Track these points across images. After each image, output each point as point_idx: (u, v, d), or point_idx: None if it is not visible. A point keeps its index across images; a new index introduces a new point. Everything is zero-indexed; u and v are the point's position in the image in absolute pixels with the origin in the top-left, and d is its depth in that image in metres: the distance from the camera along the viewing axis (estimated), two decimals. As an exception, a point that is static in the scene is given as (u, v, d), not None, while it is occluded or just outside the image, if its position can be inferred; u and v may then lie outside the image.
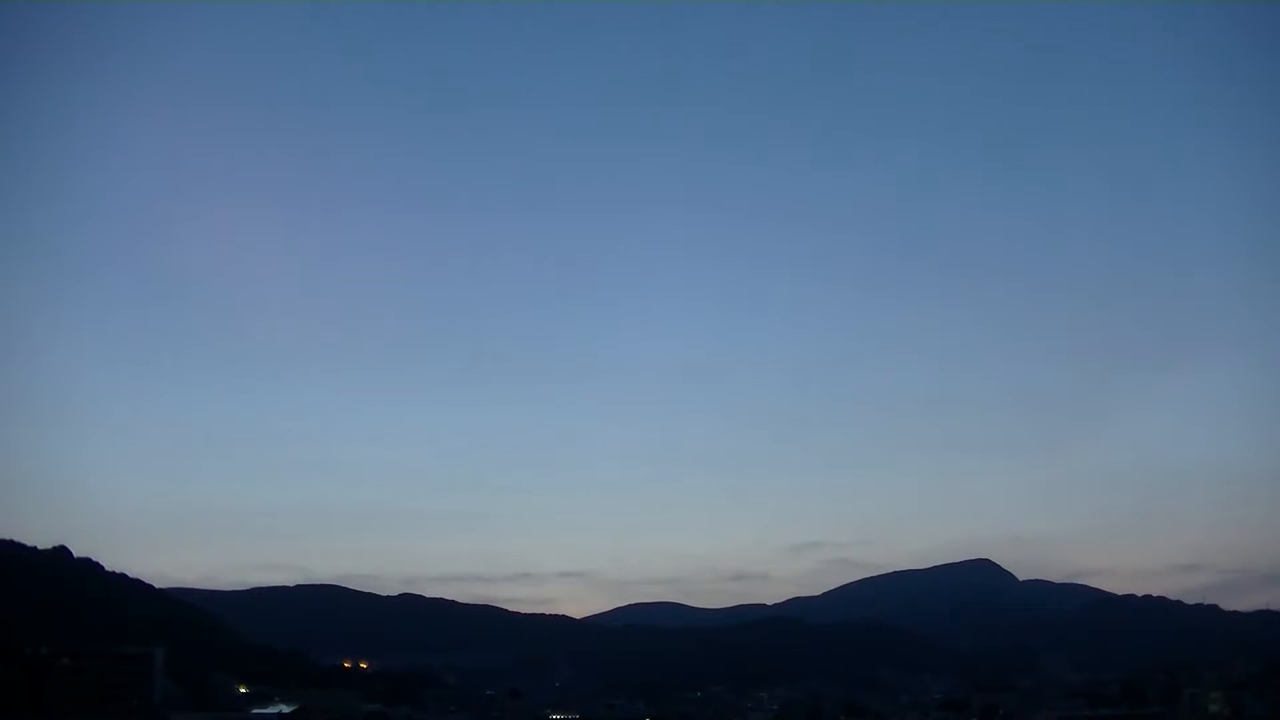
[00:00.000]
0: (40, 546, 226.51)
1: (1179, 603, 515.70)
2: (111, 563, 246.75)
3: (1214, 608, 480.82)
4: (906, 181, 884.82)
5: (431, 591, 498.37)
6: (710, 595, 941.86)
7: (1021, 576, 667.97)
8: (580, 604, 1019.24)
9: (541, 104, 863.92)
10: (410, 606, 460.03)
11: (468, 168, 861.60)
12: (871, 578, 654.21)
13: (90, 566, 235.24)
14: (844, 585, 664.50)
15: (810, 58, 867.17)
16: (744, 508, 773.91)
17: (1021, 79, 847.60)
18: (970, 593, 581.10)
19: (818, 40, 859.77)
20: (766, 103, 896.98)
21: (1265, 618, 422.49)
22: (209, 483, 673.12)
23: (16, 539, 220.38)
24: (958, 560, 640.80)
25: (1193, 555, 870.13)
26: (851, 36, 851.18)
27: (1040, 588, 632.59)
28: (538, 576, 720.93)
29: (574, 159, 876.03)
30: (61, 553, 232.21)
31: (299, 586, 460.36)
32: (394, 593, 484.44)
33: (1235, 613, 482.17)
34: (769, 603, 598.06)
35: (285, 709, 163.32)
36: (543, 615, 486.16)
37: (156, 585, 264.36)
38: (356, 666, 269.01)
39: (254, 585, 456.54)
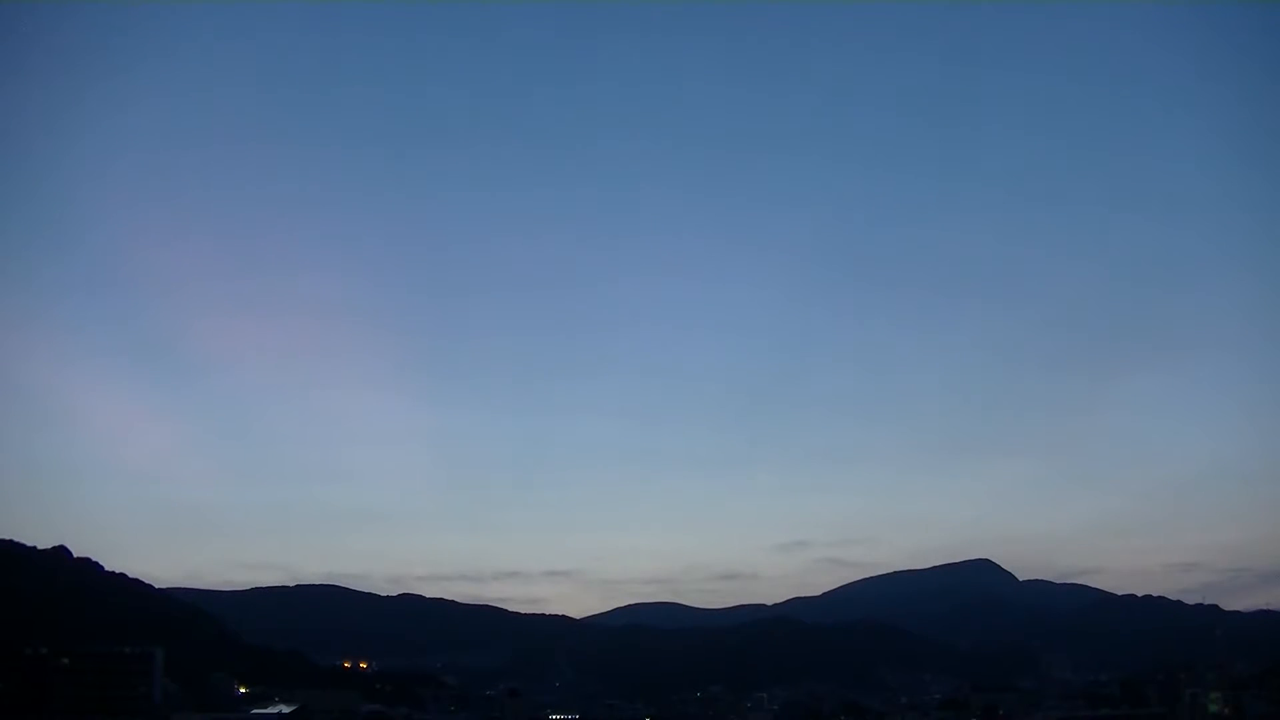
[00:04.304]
0: (40, 546, 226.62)
1: (1179, 603, 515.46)
2: (111, 563, 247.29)
3: (1214, 608, 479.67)
4: (912, 186, 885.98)
5: (421, 590, 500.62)
6: (702, 595, 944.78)
7: (1021, 576, 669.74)
8: (570, 603, 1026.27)
9: (534, 133, 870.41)
10: (409, 606, 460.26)
11: (461, 187, 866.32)
12: (871, 578, 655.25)
13: (90, 566, 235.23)
14: (843, 585, 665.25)
15: (780, 76, 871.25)
16: (729, 507, 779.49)
17: (1011, 84, 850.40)
18: (970, 593, 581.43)
19: (786, 59, 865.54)
20: (749, 125, 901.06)
21: (1265, 618, 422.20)
22: (207, 483, 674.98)
23: (16, 539, 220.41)
24: (958, 560, 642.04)
25: (1193, 555, 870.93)
26: (828, 53, 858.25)
27: (1040, 588, 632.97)
28: (526, 575, 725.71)
29: (567, 184, 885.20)
30: (61, 553, 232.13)
31: (298, 586, 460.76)
32: (389, 592, 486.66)
33: (1235, 613, 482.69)
34: (768, 603, 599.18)
35: (285, 709, 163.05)
36: (542, 615, 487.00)
37: (156, 585, 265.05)
38: (356, 666, 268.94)
39: (253, 585, 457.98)
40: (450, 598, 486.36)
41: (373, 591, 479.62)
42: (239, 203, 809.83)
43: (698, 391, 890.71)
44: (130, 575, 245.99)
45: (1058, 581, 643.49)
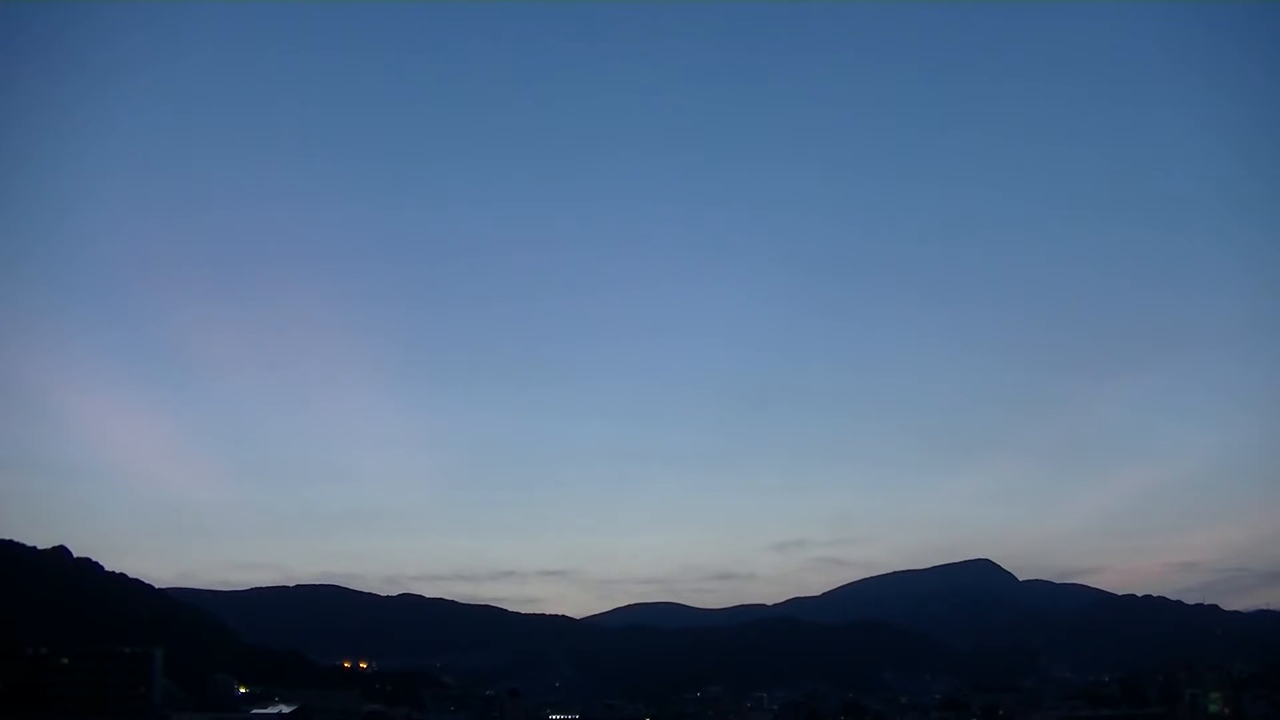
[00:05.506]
0: (40, 546, 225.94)
1: (1179, 603, 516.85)
2: (111, 563, 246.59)
3: (1214, 608, 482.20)
4: (910, 189, 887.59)
5: (418, 590, 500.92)
6: (699, 594, 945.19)
7: (1021, 576, 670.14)
8: (568, 603, 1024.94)
9: (530, 143, 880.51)
10: (408, 606, 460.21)
11: (460, 196, 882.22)
12: (871, 578, 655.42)
13: (90, 566, 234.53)
14: (842, 585, 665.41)
15: (773, 81, 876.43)
16: (726, 506, 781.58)
17: (1008, 87, 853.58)
18: (970, 593, 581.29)
19: (778, 64, 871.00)
20: (743, 131, 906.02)
21: (1265, 618, 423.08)
22: (206, 484, 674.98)
23: (16, 539, 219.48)
24: (958, 560, 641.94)
25: (1193, 555, 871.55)
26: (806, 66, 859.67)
27: (1040, 588, 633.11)
28: (522, 575, 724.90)
29: (563, 192, 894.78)
30: (61, 553, 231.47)
31: (298, 587, 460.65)
32: (385, 592, 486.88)
33: (1235, 613, 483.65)
34: (768, 603, 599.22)
35: (285, 709, 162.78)
36: (541, 615, 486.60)
37: (156, 585, 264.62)
38: (356, 666, 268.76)
39: (251, 585, 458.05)
40: (450, 598, 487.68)
41: (371, 591, 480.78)
42: (239, 207, 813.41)
43: (694, 392, 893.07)
44: (130, 575, 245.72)
45: (1058, 581, 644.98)
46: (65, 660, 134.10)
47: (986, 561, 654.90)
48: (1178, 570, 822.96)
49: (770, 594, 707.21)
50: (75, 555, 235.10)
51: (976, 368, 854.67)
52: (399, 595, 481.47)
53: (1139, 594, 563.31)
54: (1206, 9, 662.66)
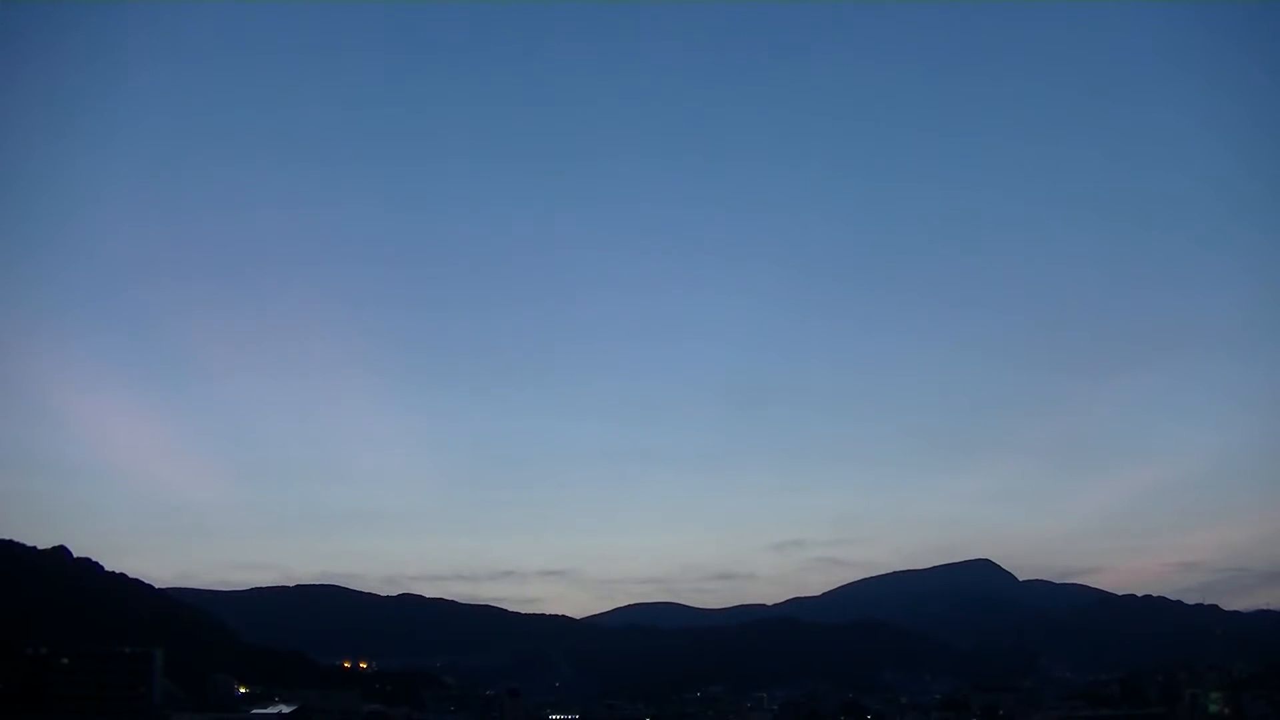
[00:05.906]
0: (40, 546, 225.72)
1: (1179, 603, 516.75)
2: (111, 563, 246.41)
3: (1214, 608, 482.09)
4: (908, 190, 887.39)
5: (418, 590, 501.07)
6: (699, 594, 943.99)
7: (1021, 576, 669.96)
8: (567, 603, 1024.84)
9: (529, 145, 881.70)
10: (408, 606, 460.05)
11: (461, 198, 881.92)
12: (871, 578, 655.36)
13: (90, 566, 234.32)
14: (843, 585, 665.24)
15: (769, 82, 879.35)
16: (725, 506, 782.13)
17: (1005, 87, 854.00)
18: (970, 593, 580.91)
19: (774, 66, 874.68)
20: (740, 132, 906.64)
21: (1265, 618, 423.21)
22: (206, 484, 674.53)
23: (16, 539, 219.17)
24: (958, 560, 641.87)
25: (1193, 555, 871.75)
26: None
27: (1040, 588, 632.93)
28: (522, 575, 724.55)
29: (563, 196, 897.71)
30: (61, 553, 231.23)
31: (298, 587, 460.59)
32: (385, 592, 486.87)
33: (1235, 613, 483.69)
34: (768, 603, 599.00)
35: (285, 709, 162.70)
36: (541, 616, 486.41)
37: (156, 585, 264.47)
38: (356, 666, 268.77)
39: (251, 585, 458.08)
40: (450, 598, 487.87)
41: (371, 591, 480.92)
42: (240, 209, 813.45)
43: (694, 393, 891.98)
44: (130, 575, 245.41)
45: (1058, 581, 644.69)
46: (65, 660, 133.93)
47: (986, 561, 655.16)
48: (1178, 570, 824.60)
49: (770, 594, 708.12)
50: (75, 555, 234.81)
51: (976, 368, 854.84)
52: (399, 595, 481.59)
53: (1139, 594, 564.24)
54: (1206, 9, 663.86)
